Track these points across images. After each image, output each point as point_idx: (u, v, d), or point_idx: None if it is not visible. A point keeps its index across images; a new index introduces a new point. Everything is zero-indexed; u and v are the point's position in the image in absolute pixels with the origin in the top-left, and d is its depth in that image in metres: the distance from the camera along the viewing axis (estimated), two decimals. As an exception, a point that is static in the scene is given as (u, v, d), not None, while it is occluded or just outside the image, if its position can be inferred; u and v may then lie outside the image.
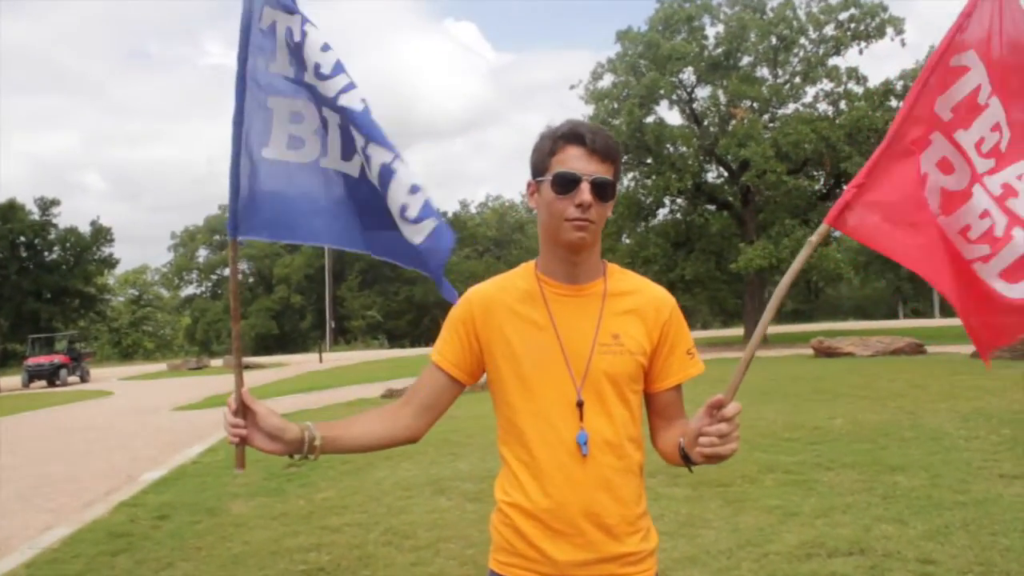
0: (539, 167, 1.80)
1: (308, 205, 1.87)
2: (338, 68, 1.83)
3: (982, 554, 4.58)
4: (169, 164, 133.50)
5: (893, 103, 31.71)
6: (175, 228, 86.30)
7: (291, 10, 1.82)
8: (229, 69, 1.76)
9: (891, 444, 7.90)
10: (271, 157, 1.81)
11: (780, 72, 34.52)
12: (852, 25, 33.02)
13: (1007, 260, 1.68)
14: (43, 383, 35.16)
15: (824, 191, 34.29)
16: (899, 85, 31.83)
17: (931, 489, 6.05)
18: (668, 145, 32.62)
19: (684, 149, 32.78)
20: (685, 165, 32.07)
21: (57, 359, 36.52)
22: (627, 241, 34.98)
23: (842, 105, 32.75)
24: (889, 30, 32.63)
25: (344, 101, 1.82)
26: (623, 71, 33.60)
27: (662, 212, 35.97)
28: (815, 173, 34.00)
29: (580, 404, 1.77)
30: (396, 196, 1.87)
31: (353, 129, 1.86)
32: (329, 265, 66.03)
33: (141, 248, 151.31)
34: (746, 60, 34.34)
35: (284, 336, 70.86)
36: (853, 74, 32.88)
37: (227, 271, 1.88)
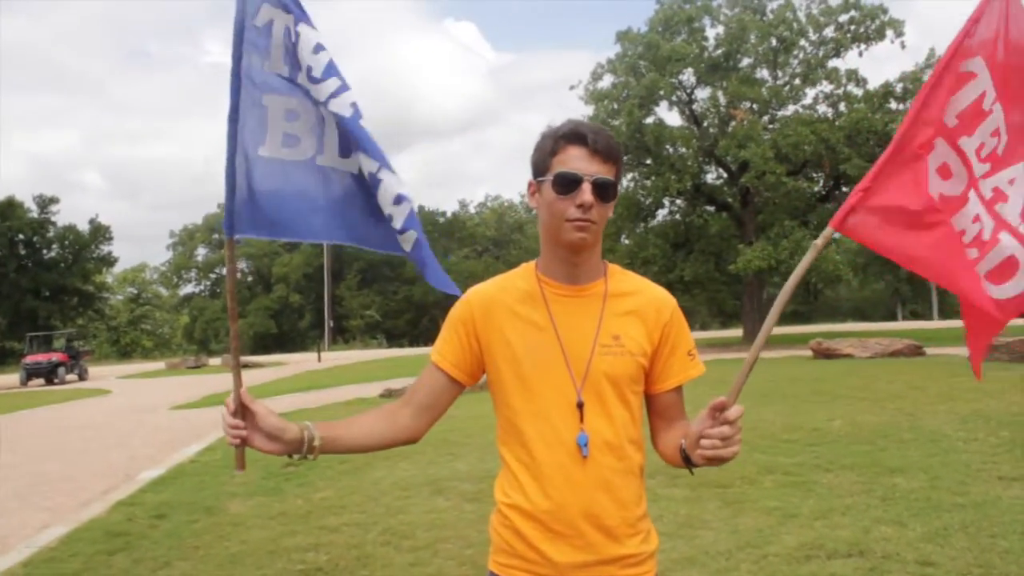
0: (540, 167, 1.79)
1: (305, 203, 1.85)
2: (329, 71, 1.81)
3: (981, 556, 4.57)
4: (168, 163, 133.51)
5: (892, 105, 31.74)
6: (174, 227, 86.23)
7: (288, 9, 1.81)
8: (228, 68, 1.73)
9: (890, 446, 7.89)
10: (267, 155, 1.79)
11: (780, 74, 34.55)
12: (852, 27, 33.04)
13: (993, 262, 1.70)
14: (41, 381, 35.15)
15: (823, 193, 34.31)
16: (899, 87, 31.86)
17: (930, 491, 6.05)
18: (668, 146, 32.63)
19: (684, 150, 32.79)
20: (684, 166, 32.08)
21: (55, 357, 36.48)
22: (626, 242, 34.98)
23: (842, 107, 32.78)
24: (889, 32, 32.67)
25: (333, 107, 1.80)
26: (623, 72, 33.60)
27: (661, 213, 36.02)
28: (814, 175, 34.02)
29: (580, 405, 1.76)
30: (382, 206, 1.87)
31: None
32: (328, 264, 66.03)
33: (140, 246, 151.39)
34: (746, 61, 34.36)
35: (283, 335, 70.85)
36: (853, 76, 32.91)
37: (225, 270, 1.84)
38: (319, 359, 40.76)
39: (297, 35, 1.81)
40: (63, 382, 35.01)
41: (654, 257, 33.19)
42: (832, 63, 33.48)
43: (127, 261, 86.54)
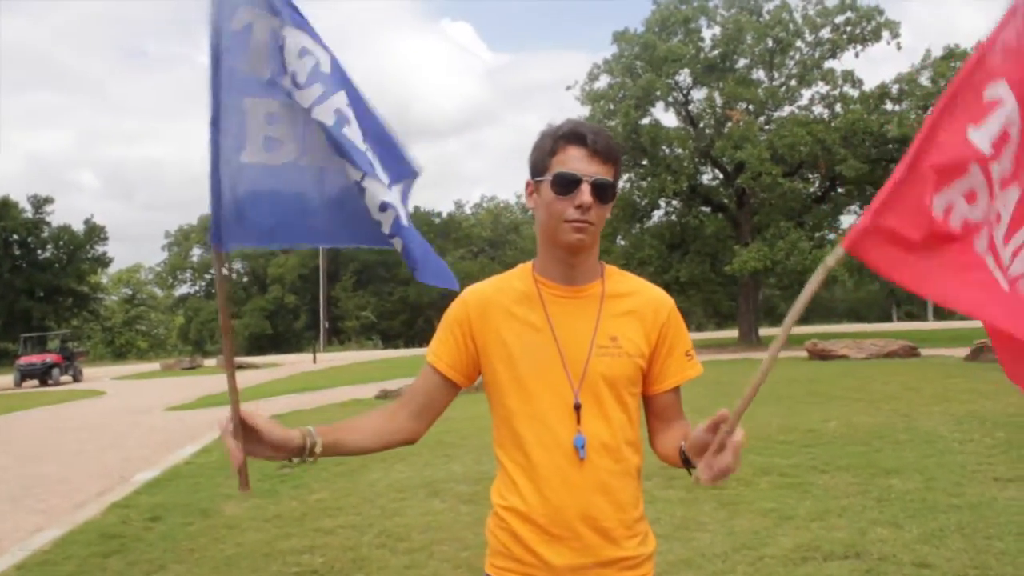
0: (538, 167, 1.78)
1: (295, 206, 1.80)
2: (313, 76, 1.76)
3: (977, 557, 4.57)
4: (164, 163, 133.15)
5: (888, 106, 31.81)
6: (169, 227, 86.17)
7: (276, 11, 1.74)
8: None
9: (885, 447, 7.90)
10: (248, 161, 1.73)
11: (776, 75, 34.56)
12: (848, 28, 33.09)
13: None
14: (35, 382, 35.04)
15: (819, 194, 34.37)
16: (894, 88, 31.92)
17: (926, 492, 6.05)
18: (664, 147, 32.63)
19: (680, 151, 32.79)
20: (680, 167, 32.09)
21: (49, 358, 36.35)
22: (622, 242, 34.98)
23: (838, 108, 32.79)
24: (885, 34, 32.71)
25: (316, 114, 1.76)
26: (619, 72, 33.60)
27: (657, 214, 36.01)
28: (810, 176, 34.07)
29: (577, 407, 1.75)
30: (371, 211, 1.83)
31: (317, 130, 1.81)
32: (323, 265, 65.99)
33: (135, 247, 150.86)
34: (742, 62, 34.36)
35: (278, 336, 70.79)
36: (849, 77, 32.93)
37: (216, 282, 1.78)
38: (314, 360, 40.71)
39: (284, 39, 1.74)
40: (57, 383, 34.90)
41: (650, 258, 33.20)
42: (828, 64, 33.53)
43: (122, 261, 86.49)
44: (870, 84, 32.73)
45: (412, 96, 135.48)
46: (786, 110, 33.87)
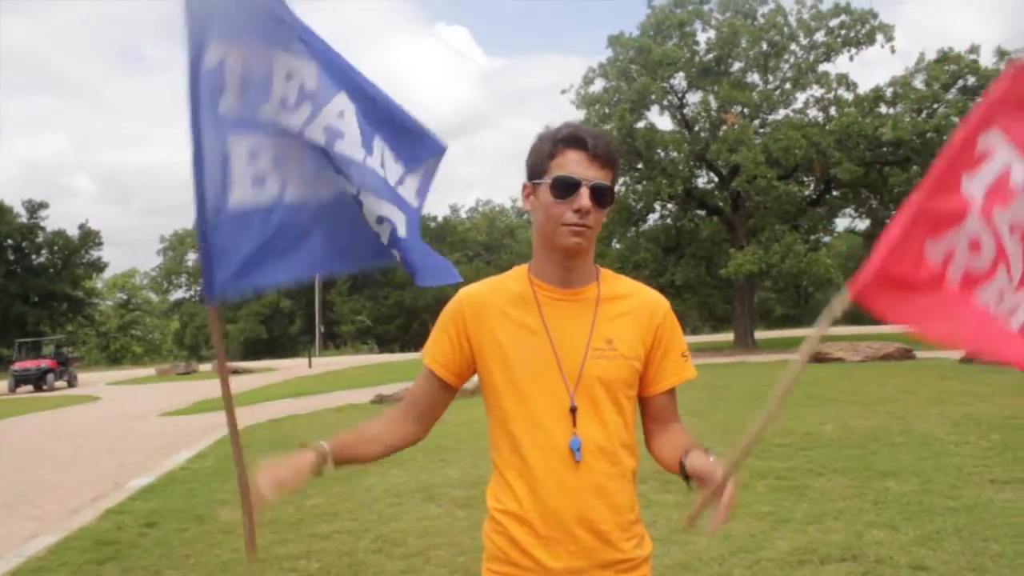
0: (537, 169, 1.77)
1: (287, 241, 1.73)
2: (300, 96, 1.71)
3: (974, 560, 4.57)
4: (159, 167, 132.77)
5: (883, 109, 31.90)
6: (164, 231, 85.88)
7: (251, 37, 1.65)
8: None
9: (882, 450, 7.90)
10: (236, 204, 1.66)
11: (771, 78, 34.64)
12: (842, 32, 33.19)
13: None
14: (30, 388, 34.92)
15: (814, 197, 34.45)
16: (888, 92, 32.02)
17: (922, 495, 6.05)
18: (659, 150, 32.68)
19: (675, 154, 32.84)
20: (676, 170, 32.14)
21: (44, 364, 36.26)
22: (617, 246, 35.02)
23: (832, 111, 32.91)
24: (879, 37, 32.83)
25: (309, 134, 1.72)
26: (614, 76, 33.66)
27: (652, 217, 36.09)
28: (805, 179, 34.16)
29: (573, 410, 1.75)
30: (369, 223, 1.83)
31: (312, 157, 1.77)
32: (319, 270, 65.91)
33: (130, 252, 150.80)
34: (737, 66, 34.44)
35: (273, 341, 70.69)
36: (843, 80, 33.04)
37: (213, 340, 1.68)
38: (310, 365, 40.67)
39: (269, 63, 1.67)
40: (52, 389, 34.81)
41: (645, 261, 33.24)
42: (822, 67, 33.64)
43: (117, 266, 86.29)
44: (864, 87, 32.90)
45: (407, 100, 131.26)
46: (781, 113, 33.97)
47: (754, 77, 34.88)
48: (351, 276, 72.56)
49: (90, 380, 40.14)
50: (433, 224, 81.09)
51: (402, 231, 1.81)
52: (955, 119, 29.74)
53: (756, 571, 4.65)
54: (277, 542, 5.90)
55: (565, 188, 1.71)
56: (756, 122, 33.28)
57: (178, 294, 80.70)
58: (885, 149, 30.89)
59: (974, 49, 31.02)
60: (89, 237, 62.82)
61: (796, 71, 33.97)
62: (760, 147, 30.20)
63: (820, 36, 33.68)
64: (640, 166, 32.77)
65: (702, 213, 35.48)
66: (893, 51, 33.27)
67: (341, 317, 70.30)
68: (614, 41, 34.12)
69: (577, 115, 33.35)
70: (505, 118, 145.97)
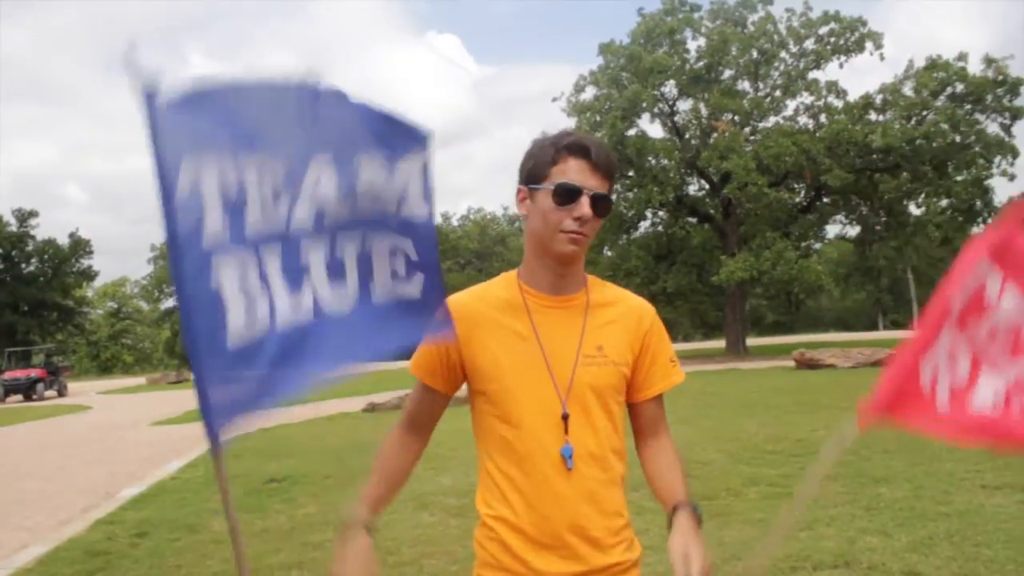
0: (536, 174, 1.77)
1: (287, 371, 1.57)
2: (277, 190, 1.54)
3: (966, 565, 4.58)
4: (150, 176, 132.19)
5: (872, 116, 32.10)
6: (155, 240, 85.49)
7: (209, 149, 1.47)
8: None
9: (874, 456, 7.91)
10: (236, 343, 1.50)
11: (761, 85, 34.82)
12: (832, 39, 33.40)
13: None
14: (19, 397, 34.77)
15: (805, 203, 34.59)
16: (878, 99, 32.22)
17: (914, 501, 6.06)
18: (650, 158, 32.79)
19: (666, 162, 32.95)
20: (667, 178, 32.24)
21: (34, 373, 36.10)
22: (609, 253, 35.09)
23: (822, 118, 33.10)
24: (868, 44, 33.07)
25: (295, 224, 1.57)
26: (605, 84, 33.78)
27: (644, 225, 36.20)
28: (796, 185, 34.31)
29: (565, 417, 1.75)
30: (381, 266, 1.68)
31: (305, 247, 1.60)
32: (311, 278, 65.91)
33: (121, 260, 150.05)
34: (727, 73, 34.60)
35: (265, 349, 70.43)
36: (833, 87, 33.25)
37: (219, 488, 1.52)
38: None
39: (239, 170, 1.50)
40: (42, 398, 34.66)
41: (636, 269, 33.33)
42: (812, 75, 33.86)
43: (108, 275, 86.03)
44: (854, 94, 33.17)
45: (398, 108, 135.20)
46: (771, 120, 34.16)
47: (744, 85, 35.07)
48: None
49: (80, 389, 39.97)
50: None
51: (413, 254, 1.71)
52: (944, 126, 29.95)
53: (749, 578, 4.65)
54: (269, 551, 5.87)
55: (566, 195, 1.71)
56: (747, 129, 33.43)
57: (169, 303, 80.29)
58: (875, 156, 31.06)
59: (962, 56, 31.24)
60: (79, 246, 62.64)
61: (786, 79, 34.15)
62: (751, 154, 30.33)
63: (810, 44, 33.89)
64: (631, 174, 32.88)
65: (693, 220, 35.61)
66: (882, 58, 33.51)
67: (333, 325, 70.16)
68: (605, 49, 34.26)
69: (568, 123, 33.47)
70: (496, 126, 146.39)
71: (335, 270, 1.64)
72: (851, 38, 33.15)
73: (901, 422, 1.66)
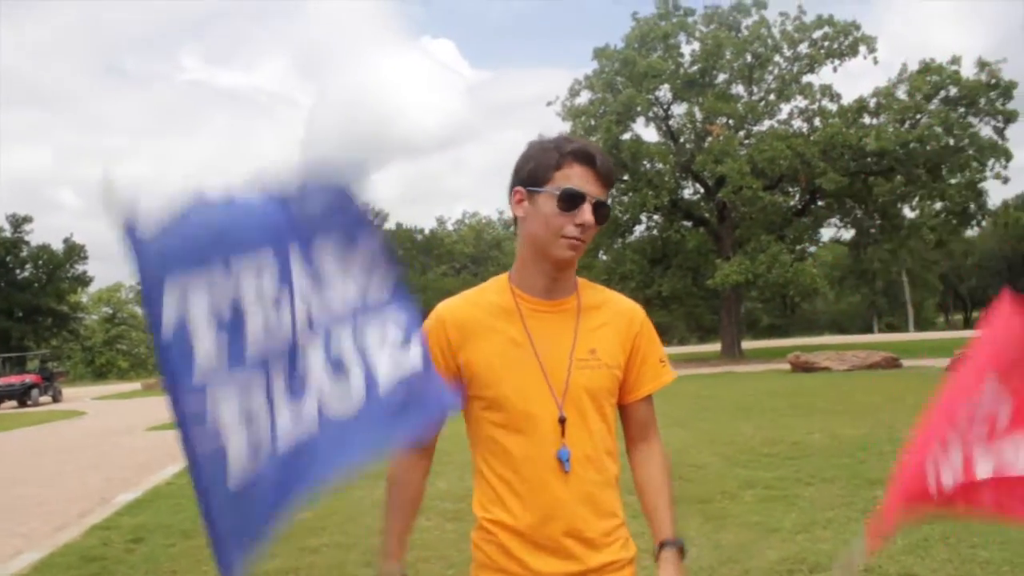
0: (537, 177, 1.76)
1: (295, 484, 1.48)
2: (282, 285, 1.43)
3: (962, 567, 4.59)
4: (144, 181, 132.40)
5: (866, 120, 32.18)
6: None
7: (196, 268, 1.35)
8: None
9: (870, 458, 7.93)
10: (238, 484, 1.42)
11: (755, 89, 34.91)
12: (825, 43, 33.50)
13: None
14: (14, 403, 34.63)
15: (799, 207, 34.66)
16: (872, 102, 32.31)
17: (910, 503, 6.06)
18: (645, 162, 32.85)
19: (661, 166, 33.02)
20: (662, 182, 32.30)
21: (28, 379, 35.96)
22: (604, 257, 35.11)
23: (816, 122, 33.20)
24: (862, 48, 33.18)
25: (299, 329, 1.46)
26: (600, 88, 33.83)
27: (639, 229, 36.23)
28: (790, 189, 34.38)
29: (562, 421, 1.76)
30: (377, 346, 1.56)
31: (303, 349, 1.49)
32: (306, 282, 65.88)
33: (115, 266, 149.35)
34: (721, 77, 34.70)
35: (260, 354, 70.35)
36: (827, 91, 33.35)
37: None
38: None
39: (230, 287, 1.39)
40: (37, 404, 34.52)
41: (632, 273, 33.36)
42: (806, 79, 33.94)
43: (102, 280, 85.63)
44: (848, 98, 33.28)
45: (394, 113, 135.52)
46: (765, 124, 34.25)
47: (739, 89, 35.17)
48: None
49: (75, 395, 39.86)
50: (420, 237, 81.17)
51: (402, 324, 1.58)
52: (938, 129, 30.05)
53: (746, 581, 4.65)
54: (265, 557, 5.86)
55: (570, 201, 1.72)
56: (741, 133, 33.51)
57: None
58: (869, 159, 31.14)
59: (955, 60, 31.37)
60: (74, 251, 62.49)
61: (780, 82, 34.25)
62: (745, 158, 30.41)
63: (804, 48, 33.99)
64: (626, 178, 32.93)
65: (688, 224, 35.66)
66: (876, 62, 33.62)
67: (328, 330, 70.09)
68: (599, 53, 34.32)
69: (563, 127, 33.51)
70: (491, 130, 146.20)
71: (336, 367, 1.51)
72: (845, 42, 33.26)
73: (914, 514, 1.68)
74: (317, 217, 1.53)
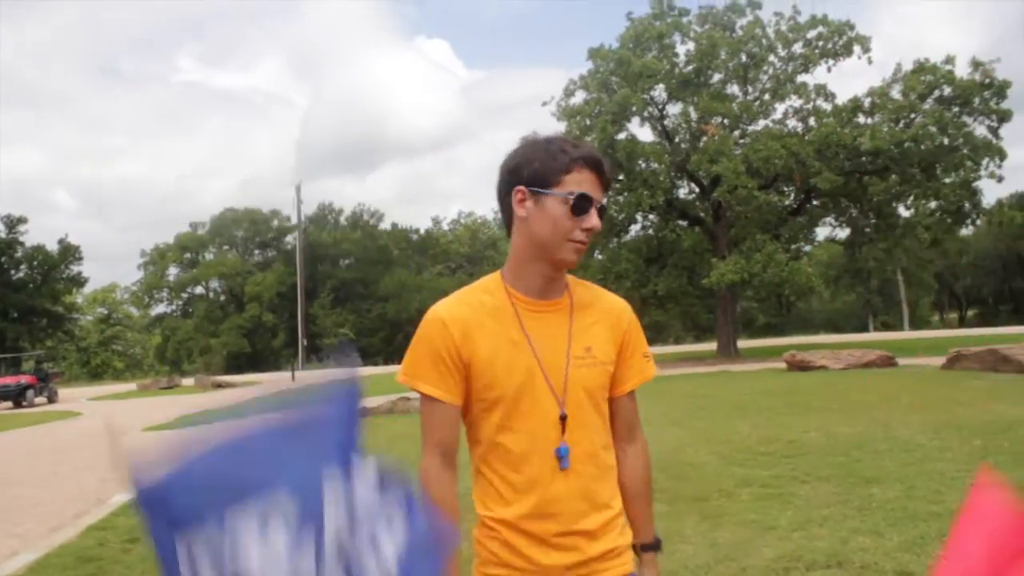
0: (544, 179, 1.77)
1: None
2: (305, 521, 1.29)
3: (958, 565, 4.59)
4: (139, 181, 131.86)
5: (861, 119, 32.24)
6: (145, 246, 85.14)
7: (218, 504, 1.26)
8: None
9: (865, 456, 7.94)
10: None
11: (750, 89, 34.94)
12: (820, 43, 33.54)
13: None
14: (9, 404, 34.54)
15: (795, 206, 34.71)
16: (866, 102, 32.37)
17: (906, 500, 6.08)
18: (640, 161, 32.86)
19: (656, 165, 33.03)
20: (657, 181, 32.31)
21: (24, 379, 35.86)
22: (599, 257, 35.12)
23: (811, 121, 33.22)
24: (856, 48, 33.20)
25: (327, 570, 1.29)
26: (595, 88, 33.83)
27: (634, 228, 36.22)
28: (785, 188, 34.42)
29: (563, 418, 1.78)
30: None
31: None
32: (301, 283, 65.61)
33: (110, 266, 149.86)
34: (716, 77, 34.71)
35: (256, 354, 70.32)
36: (821, 91, 33.38)
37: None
38: (293, 378, 40.46)
39: (251, 523, 1.26)
40: (32, 405, 34.43)
41: (627, 272, 33.39)
42: (801, 78, 33.97)
43: (97, 281, 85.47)
44: (842, 98, 33.33)
45: (388, 113, 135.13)
46: (760, 124, 34.26)
47: (733, 88, 35.18)
48: (333, 289, 72.44)
49: (71, 396, 39.76)
50: (415, 236, 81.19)
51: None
52: (932, 128, 30.11)
53: (742, 579, 4.66)
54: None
55: (582, 205, 1.75)
56: (736, 133, 33.54)
57: (159, 308, 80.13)
58: (864, 158, 31.19)
59: (949, 60, 31.45)
60: (69, 252, 62.39)
61: (775, 82, 34.28)
62: (740, 158, 30.43)
63: (798, 48, 34.02)
64: (621, 177, 32.92)
65: (684, 223, 35.69)
66: (870, 62, 33.67)
67: (324, 330, 69.98)
68: (594, 54, 34.31)
69: (558, 127, 33.48)
70: (486, 131, 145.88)
71: None
72: (839, 42, 33.30)
73: None
74: (331, 431, 1.39)
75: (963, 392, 12.39)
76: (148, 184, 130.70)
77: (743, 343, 40.78)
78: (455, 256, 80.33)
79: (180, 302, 78.72)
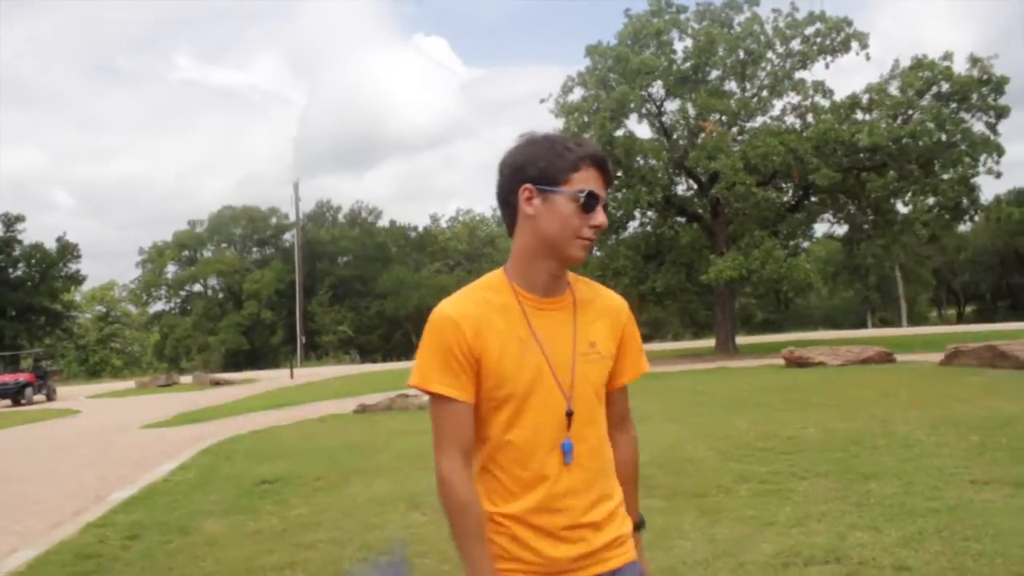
0: (552, 177, 1.79)
1: None
2: None
3: (955, 559, 4.62)
4: (137, 179, 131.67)
5: (859, 116, 32.22)
6: (143, 244, 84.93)
7: None
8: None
9: (863, 452, 7.96)
10: None
11: (748, 86, 34.89)
12: (818, 40, 33.49)
13: None
14: (8, 402, 34.50)
15: (793, 203, 34.70)
16: (864, 98, 32.34)
17: (904, 496, 6.10)
18: (638, 158, 32.82)
19: (654, 162, 32.98)
20: (655, 178, 32.28)
21: (22, 377, 35.79)
22: (598, 254, 35.05)
23: (809, 118, 33.20)
24: (854, 44, 33.15)
25: None
26: (593, 85, 33.79)
27: (632, 225, 36.16)
28: (784, 185, 34.39)
29: (570, 414, 1.82)
30: None
31: None
32: (300, 280, 65.62)
33: (109, 264, 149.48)
34: (714, 74, 34.64)
35: (255, 352, 70.31)
36: (819, 87, 33.35)
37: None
38: (291, 375, 40.45)
39: None
40: (31, 403, 34.39)
41: (625, 268, 33.37)
42: (799, 75, 33.92)
43: (96, 279, 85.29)
44: (840, 94, 33.25)
45: (386, 110, 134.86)
46: (758, 120, 34.19)
47: (731, 85, 35.12)
48: (331, 286, 72.41)
49: (69, 394, 39.74)
50: (413, 234, 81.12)
51: None
52: (930, 125, 30.11)
53: (740, 574, 4.67)
54: (262, 552, 5.87)
55: (591, 204, 1.80)
56: (734, 129, 33.49)
57: (157, 306, 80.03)
58: (862, 155, 31.19)
59: (947, 56, 31.40)
60: (67, 250, 62.36)
61: (773, 79, 34.24)
62: (738, 154, 30.41)
63: (796, 44, 33.98)
64: (620, 174, 32.87)
65: (682, 220, 35.68)
66: (868, 58, 33.60)
67: (323, 327, 69.99)
68: (592, 50, 34.28)
69: (556, 124, 33.46)
70: (484, 128, 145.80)
71: None
72: (837, 38, 33.26)
73: None
74: None
75: (961, 388, 12.41)
76: (146, 182, 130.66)
77: (741, 339, 40.81)
78: (453, 253, 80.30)
79: (178, 300, 78.67)
